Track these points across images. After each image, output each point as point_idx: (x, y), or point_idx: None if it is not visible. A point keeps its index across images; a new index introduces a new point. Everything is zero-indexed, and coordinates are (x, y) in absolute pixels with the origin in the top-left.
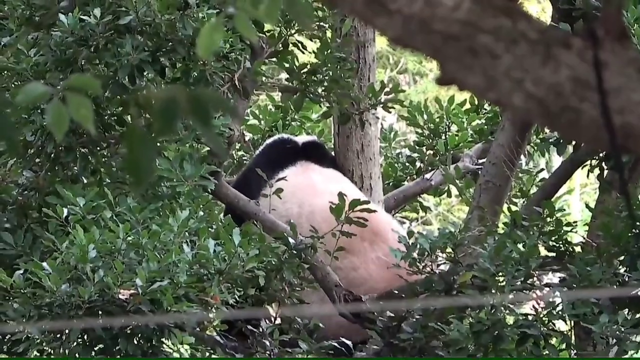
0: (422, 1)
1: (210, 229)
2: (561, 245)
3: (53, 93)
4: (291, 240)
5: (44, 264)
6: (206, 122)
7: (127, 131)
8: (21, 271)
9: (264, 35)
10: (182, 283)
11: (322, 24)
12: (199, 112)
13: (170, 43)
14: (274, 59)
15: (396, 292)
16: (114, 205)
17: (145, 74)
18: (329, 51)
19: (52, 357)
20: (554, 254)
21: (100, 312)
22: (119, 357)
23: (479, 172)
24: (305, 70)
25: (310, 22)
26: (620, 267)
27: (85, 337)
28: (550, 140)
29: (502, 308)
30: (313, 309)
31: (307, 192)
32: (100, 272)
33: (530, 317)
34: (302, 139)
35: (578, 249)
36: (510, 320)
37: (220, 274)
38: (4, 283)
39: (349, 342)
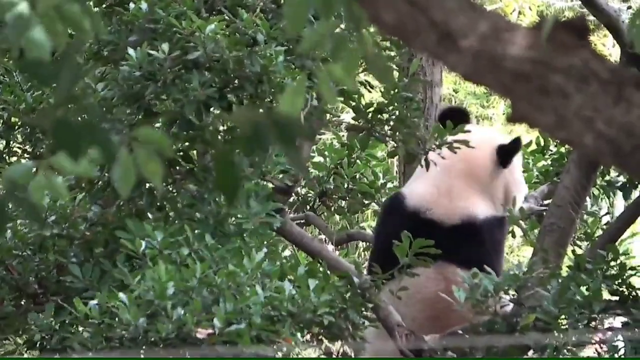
0: (494, 39)
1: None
2: (625, 289)
3: (121, 143)
4: (355, 279)
5: (121, 294)
6: (291, 145)
7: (216, 157)
8: (95, 301)
9: None
10: (256, 325)
11: (389, 63)
12: (283, 136)
13: (238, 80)
14: (341, 98)
15: (459, 332)
16: (191, 242)
17: (212, 110)
18: (396, 90)
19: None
20: (617, 298)
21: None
22: None
23: (544, 213)
24: (372, 109)
25: (391, 80)
26: None
27: None
28: (617, 185)
29: (564, 350)
30: (375, 347)
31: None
32: (178, 309)
33: None
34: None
35: None
36: None
37: (292, 317)
38: (78, 313)
39: None
